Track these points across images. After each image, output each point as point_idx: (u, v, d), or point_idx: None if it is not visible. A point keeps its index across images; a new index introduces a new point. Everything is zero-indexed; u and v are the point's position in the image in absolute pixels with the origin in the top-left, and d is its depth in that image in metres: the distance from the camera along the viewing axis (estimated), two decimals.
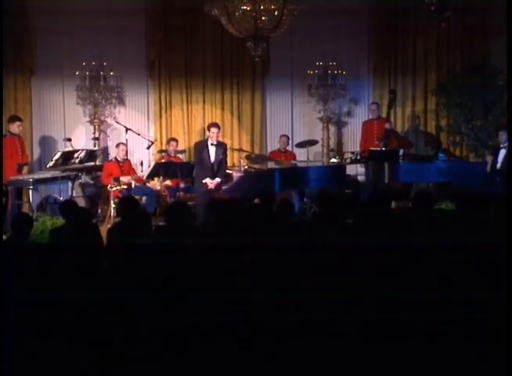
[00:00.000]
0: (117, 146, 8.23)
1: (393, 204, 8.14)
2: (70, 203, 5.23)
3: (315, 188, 7.66)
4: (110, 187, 7.72)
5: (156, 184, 8.08)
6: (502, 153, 7.89)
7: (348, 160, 8.21)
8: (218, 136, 7.14)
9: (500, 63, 8.38)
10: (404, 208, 8.16)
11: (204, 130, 8.39)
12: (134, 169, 8.29)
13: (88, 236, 4.59)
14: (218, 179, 7.06)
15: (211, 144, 7.05)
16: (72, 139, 8.57)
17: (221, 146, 7.17)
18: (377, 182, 7.83)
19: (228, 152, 9.15)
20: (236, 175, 7.44)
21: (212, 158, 7.05)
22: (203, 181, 6.99)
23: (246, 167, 7.97)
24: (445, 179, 7.91)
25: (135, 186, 7.84)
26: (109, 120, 9.12)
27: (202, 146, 7.13)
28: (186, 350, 3.04)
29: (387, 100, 8.77)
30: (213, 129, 7.06)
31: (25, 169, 8.00)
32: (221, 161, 7.12)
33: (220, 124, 9.26)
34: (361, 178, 8.86)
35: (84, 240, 4.43)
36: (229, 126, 9.38)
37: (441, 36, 9.34)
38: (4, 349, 2.82)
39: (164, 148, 8.86)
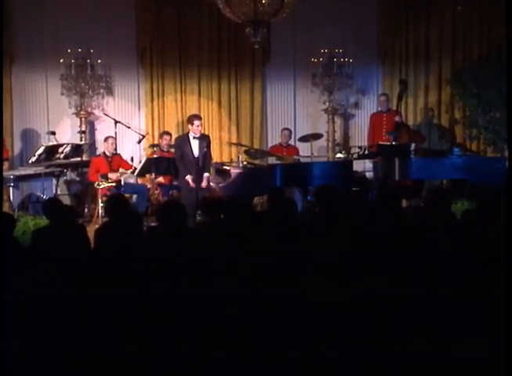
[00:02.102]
0: (106, 139, 8.22)
1: (404, 203, 8.16)
2: (55, 201, 5.23)
3: (319, 185, 7.65)
4: (98, 184, 7.72)
5: (147, 181, 8.07)
6: None
7: (355, 156, 8.20)
8: (200, 129, 7.12)
9: None
10: (416, 207, 8.16)
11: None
12: (126, 161, 8.21)
13: (74, 237, 4.59)
14: (206, 174, 7.03)
15: (194, 137, 7.02)
16: (56, 132, 8.56)
17: (204, 139, 7.10)
18: (387, 179, 7.82)
19: (226, 146, 9.23)
20: (233, 171, 7.43)
21: (196, 152, 7.00)
22: (186, 177, 6.97)
23: (244, 163, 7.96)
24: (460, 176, 7.90)
25: (125, 183, 7.84)
26: (96, 112, 9.11)
27: (184, 140, 7.08)
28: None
29: (398, 91, 8.77)
30: (196, 122, 7.00)
31: (5, 165, 7.98)
32: (206, 155, 7.07)
33: (217, 117, 9.36)
34: (369, 174, 8.85)
35: (70, 241, 4.43)
36: (227, 118, 9.39)
37: (456, 20, 9.33)
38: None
39: (156, 142, 8.85)
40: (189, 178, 6.94)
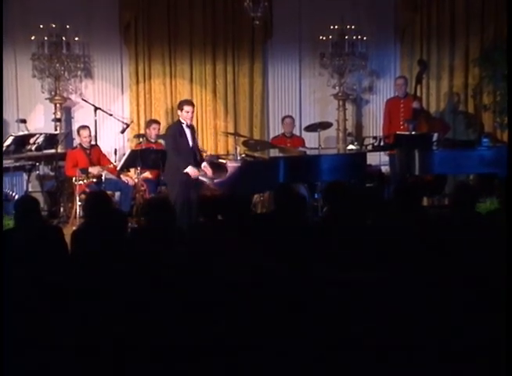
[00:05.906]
0: (78, 131, 8.15)
1: (425, 201, 8.18)
2: (29, 199, 5.19)
3: (328, 181, 7.67)
4: (76, 180, 7.72)
5: (132, 177, 8.08)
6: None
7: (369, 147, 8.22)
8: (192, 116, 7.17)
9: None
10: (439, 206, 8.18)
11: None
12: (105, 156, 8.24)
13: (48, 240, 4.59)
14: (205, 163, 7.15)
15: (186, 126, 7.06)
16: (27, 120, 8.57)
17: (193, 128, 7.28)
18: (405, 173, 7.84)
19: (222, 137, 9.25)
20: (230, 165, 7.44)
21: (190, 143, 7.09)
22: (185, 170, 6.96)
23: (243, 155, 7.96)
24: (489, 170, 7.92)
25: (107, 178, 7.85)
26: (73, 97, 9.12)
27: (178, 129, 7.08)
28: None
29: (417, 73, 8.77)
30: (187, 108, 7.02)
31: None
32: (197, 146, 7.30)
33: (211, 103, 9.36)
34: (385, 169, 8.87)
35: (44, 245, 4.43)
36: (222, 105, 9.39)
37: None
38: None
39: (142, 132, 8.86)
40: (191, 170, 6.94)
